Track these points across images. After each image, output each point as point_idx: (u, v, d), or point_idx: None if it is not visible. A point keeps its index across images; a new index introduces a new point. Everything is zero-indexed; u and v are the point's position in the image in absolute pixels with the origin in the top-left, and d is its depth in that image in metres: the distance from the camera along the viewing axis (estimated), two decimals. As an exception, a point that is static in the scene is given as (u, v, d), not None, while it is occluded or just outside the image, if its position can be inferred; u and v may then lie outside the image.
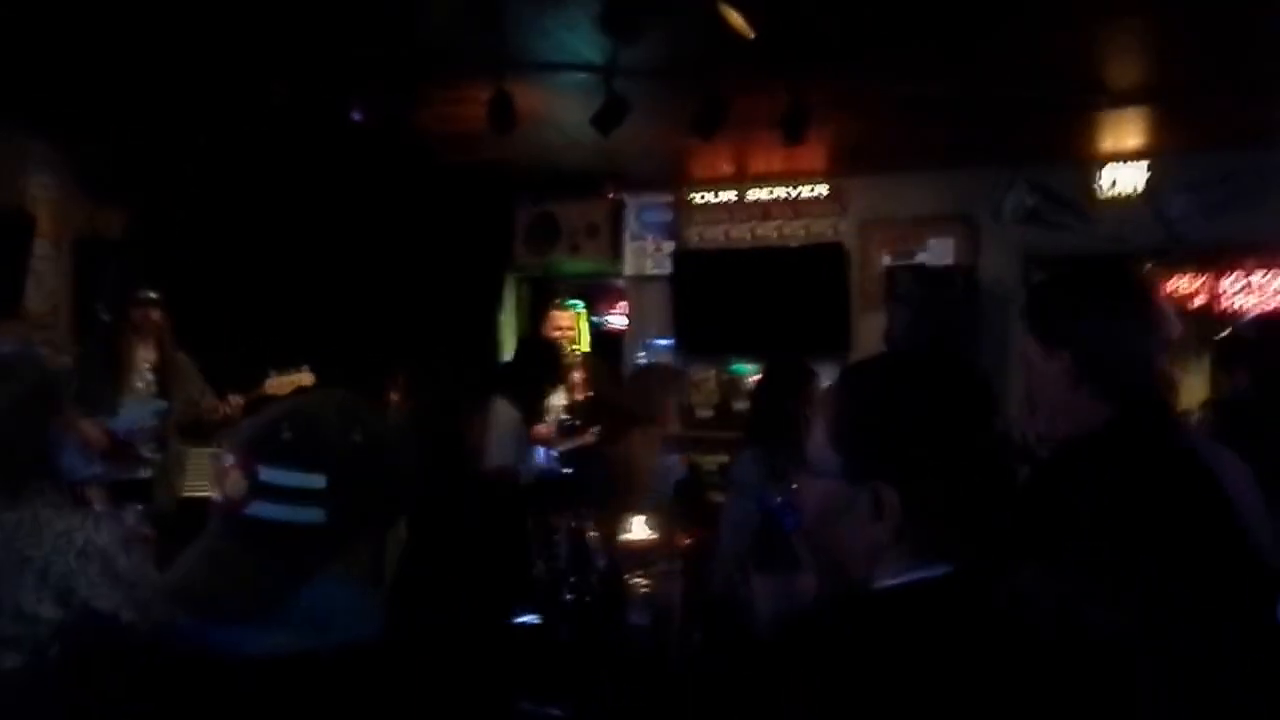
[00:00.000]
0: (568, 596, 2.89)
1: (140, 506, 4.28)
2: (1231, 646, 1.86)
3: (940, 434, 1.46)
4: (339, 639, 1.43)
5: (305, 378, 6.15)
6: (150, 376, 5.87)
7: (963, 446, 1.47)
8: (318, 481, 1.43)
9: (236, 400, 6.01)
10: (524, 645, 2.75)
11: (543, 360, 5.78)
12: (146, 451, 5.77)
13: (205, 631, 1.41)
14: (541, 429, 6.64)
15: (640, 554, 3.32)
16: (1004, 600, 1.47)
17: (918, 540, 1.46)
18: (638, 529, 3.46)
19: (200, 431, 6.15)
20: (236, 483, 1.43)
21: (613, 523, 3.56)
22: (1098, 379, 2.07)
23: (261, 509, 1.42)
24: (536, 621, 2.84)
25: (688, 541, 3.43)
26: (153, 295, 5.90)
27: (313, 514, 1.43)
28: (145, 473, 5.76)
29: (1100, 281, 2.18)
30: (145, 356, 5.88)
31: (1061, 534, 1.91)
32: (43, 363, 2.99)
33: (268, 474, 1.42)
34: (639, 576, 3.12)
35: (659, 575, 3.19)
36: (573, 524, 3.26)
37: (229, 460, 1.45)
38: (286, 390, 6.06)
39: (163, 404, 5.83)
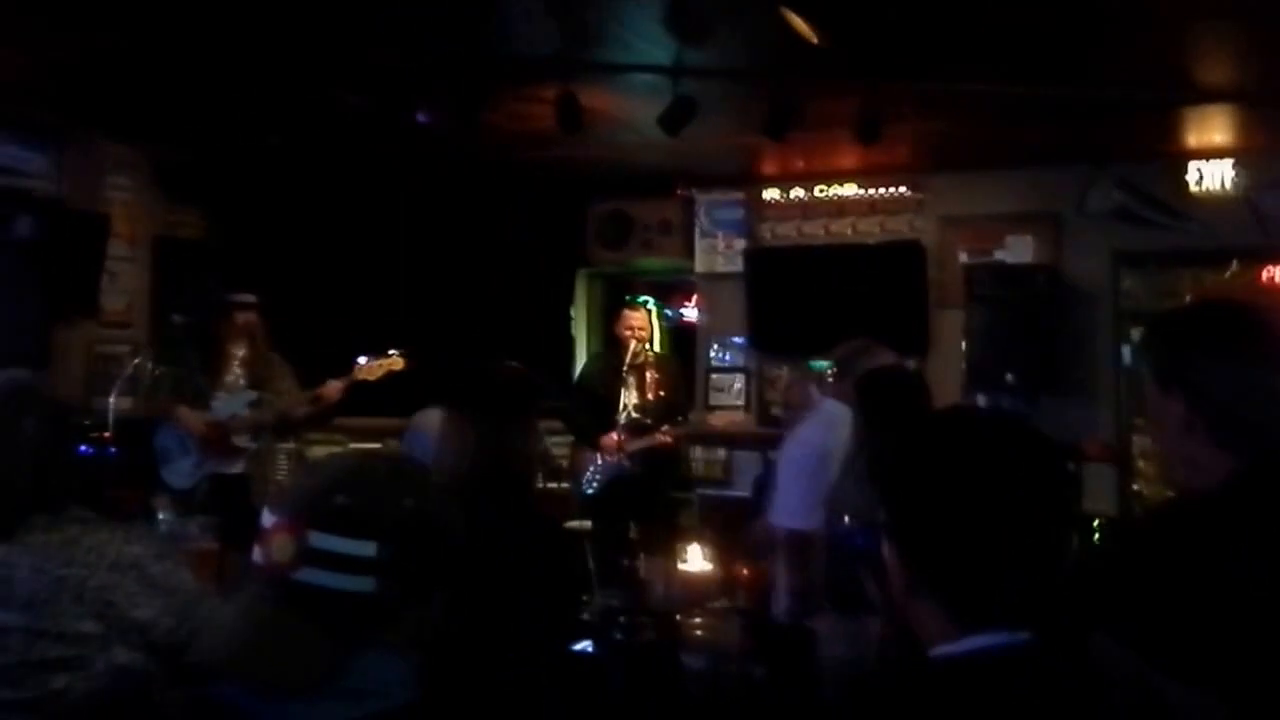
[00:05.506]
0: (619, 636, 2.84)
1: (203, 518, 4.40)
2: None
3: (995, 497, 1.40)
4: (374, 707, 1.40)
5: (396, 362, 6.13)
6: (239, 370, 5.98)
7: (1019, 510, 1.40)
8: (369, 549, 1.39)
9: (335, 384, 6.01)
10: (576, 684, 2.70)
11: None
12: (241, 441, 5.89)
13: (250, 703, 1.38)
14: (608, 439, 6.61)
15: (697, 588, 3.25)
16: (1077, 672, 1.40)
17: (977, 605, 1.40)
18: (694, 559, 3.38)
19: (286, 429, 6.25)
20: (284, 546, 1.39)
21: (670, 552, 3.48)
22: (1216, 425, 1.83)
23: (311, 575, 1.38)
24: (590, 650, 2.79)
25: (747, 573, 3.34)
26: (249, 299, 6.00)
27: (363, 583, 1.39)
28: (239, 467, 5.89)
29: (1221, 318, 1.98)
30: (236, 353, 5.99)
31: (1146, 603, 1.78)
32: (51, 391, 3.07)
33: (319, 539, 1.38)
34: (696, 616, 3.04)
35: (716, 613, 3.11)
36: (626, 561, 3.19)
37: (273, 521, 1.41)
38: (378, 374, 6.07)
39: (253, 394, 5.95)
